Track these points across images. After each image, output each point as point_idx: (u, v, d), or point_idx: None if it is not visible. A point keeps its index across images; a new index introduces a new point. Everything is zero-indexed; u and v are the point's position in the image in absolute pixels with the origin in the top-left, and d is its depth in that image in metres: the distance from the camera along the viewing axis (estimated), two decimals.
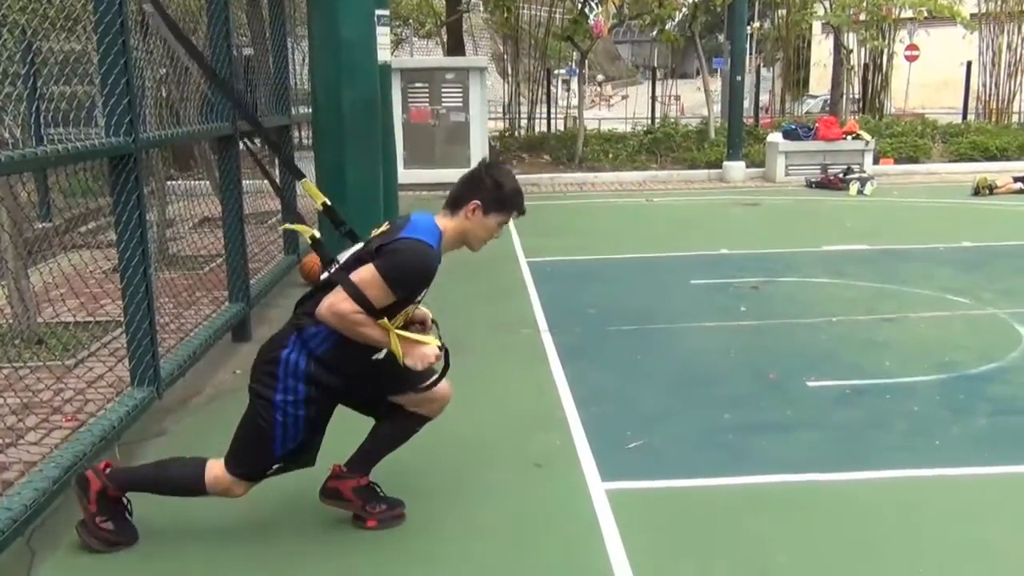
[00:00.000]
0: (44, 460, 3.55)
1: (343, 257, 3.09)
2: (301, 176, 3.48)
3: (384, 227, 3.16)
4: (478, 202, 3.08)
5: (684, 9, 18.18)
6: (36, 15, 4.00)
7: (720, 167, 14.85)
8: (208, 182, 7.89)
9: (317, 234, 3.23)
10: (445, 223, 3.12)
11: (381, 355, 3.11)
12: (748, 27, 20.74)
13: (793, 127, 14.84)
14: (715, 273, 7.66)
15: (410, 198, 11.00)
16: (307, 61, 7.22)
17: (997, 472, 3.79)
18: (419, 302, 3.17)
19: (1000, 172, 13.51)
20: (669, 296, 7.03)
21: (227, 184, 5.77)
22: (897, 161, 15.24)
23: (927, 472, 3.79)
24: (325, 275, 3.08)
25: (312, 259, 7.21)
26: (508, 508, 3.52)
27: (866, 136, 14.34)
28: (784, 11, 20.76)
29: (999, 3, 17.20)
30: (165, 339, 4.86)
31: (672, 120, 18.56)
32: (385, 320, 2.98)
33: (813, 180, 13.78)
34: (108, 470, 3.22)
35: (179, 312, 5.83)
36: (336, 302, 2.93)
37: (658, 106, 20.51)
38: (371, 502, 3.34)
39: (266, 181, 3.64)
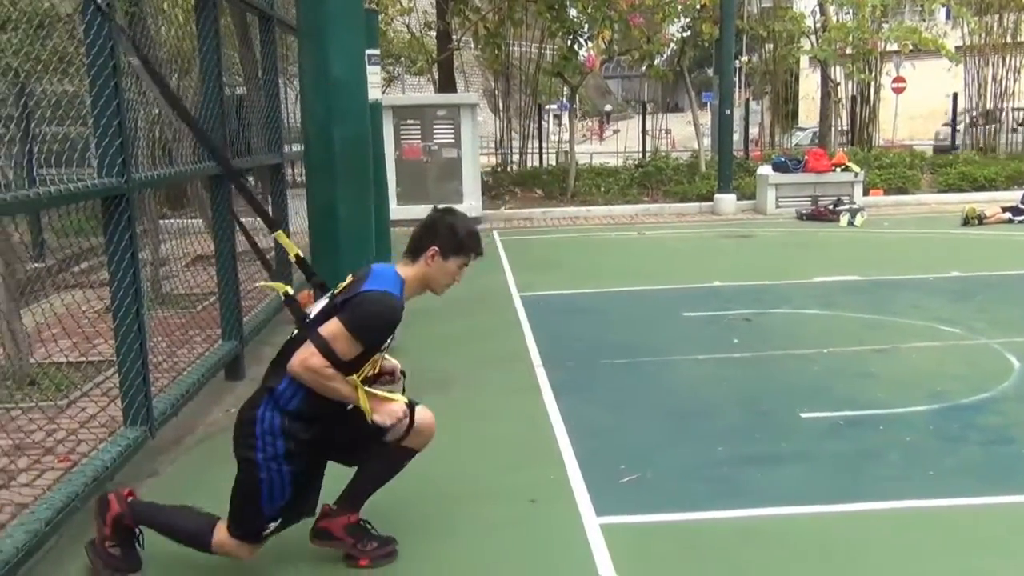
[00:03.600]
0: (36, 502, 3.53)
1: (314, 311, 3.18)
2: (276, 227, 3.58)
3: (348, 280, 3.23)
4: (436, 248, 3.16)
5: (672, 45, 18.43)
6: (30, 58, 4.04)
7: (711, 200, 14.96)
8: (201, 220, 7.92)
9: (291, 290, 3.31)
10: (406, 271, 3.20)
11: (350, 406, 3.17)
12: (736, 61, 20.99)
13: (783, 160, 14.97)
14: (707, 305, 7.69)
15: (402, 234, 11.04)
16: (299, 100, 7.28)
17: (991, 502, 3.79)
18: (385, 350, 3.24)
19: (989, 202, 13.64)
20: (662, 329, 7.04)
21: (220, 222, 5.79)
22: (886, 192, 15.38)
23: (921, 503, 3.79)
24: (295, 332, 3.18)
25: (305, 296, 7.21)
26: (503, 543, 3.50)
27: (855, 168, 14.47)
28: (772, 45, 21.02)
29: (983, 36, 17.45)
30: (158, 378, 4.85)
31: (663, 154, 18.71)
32: (354, 377, 3.05)
33: (804, 212, 13.88)
34: (131, 499, 3.26)
35: (172, 350, 5.82)
36: (307, 357, 3.01)
37: (649, 140, 20.67)
38: (362, 540, 3.32)
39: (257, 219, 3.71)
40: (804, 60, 23.67)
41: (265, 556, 3.40)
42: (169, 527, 3.27)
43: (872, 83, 18.67)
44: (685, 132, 27.78)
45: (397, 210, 11.56)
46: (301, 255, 3.45)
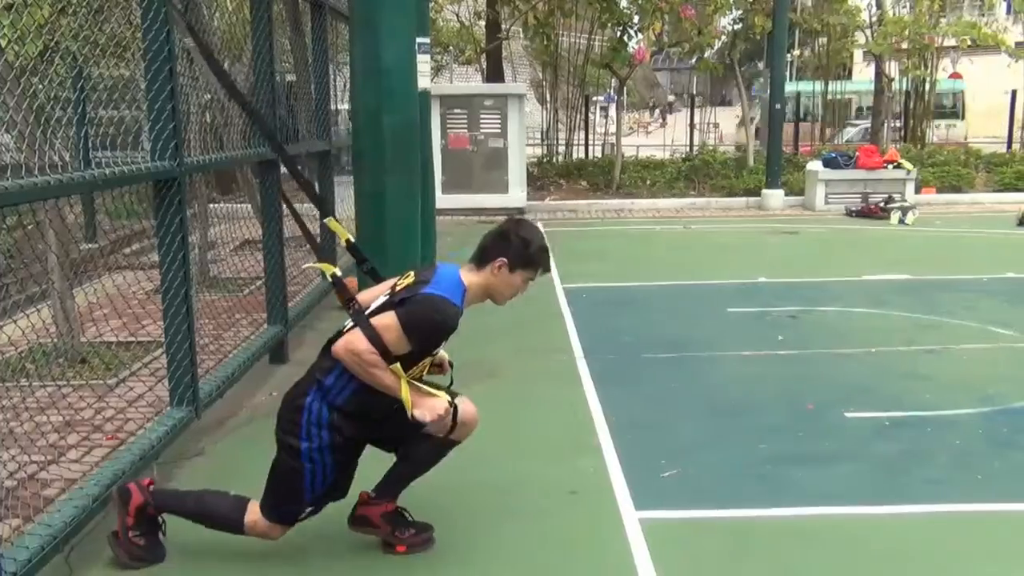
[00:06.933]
0: (84, 478, 3.61)
1: (368, 300, 3.16)
2: (328, 214, 3.55)
3: (409, 277, 3.19)
4: (504, 260, 3.13)
5: (723, 37, 18.21)
6: (87, 42, 4.10)
7: (758, 195, 14.77)
8: (249, 205, 8.01)
9: (338, 272, 3.29)
10: (470, 278, 3.16)
11: (396, 406, 3.14)
12: (788, 55, 20.69)
13: (833, 155, 14.73)
14: (753, 302, 7.61)
15: (448, 223, 11.09)
16: (348, 87, 7.32)
17: None
18: (435, 355, 3.21)
19: None
20: (706, 324, 6.98)
21: (268, 208, 5.85)
22: (939, 190, 15.06)
23: (969, 507, 3.72)
24: (347, 323, 3.15)
25: (350, 282, 7.27)
26: (541, 535, 3.50)
27: (907, 165, 14.19)
28: (825, 39, 20.68)
29: None
30: (204, 360, 4.92)
31: (710, 147, 18.52)
32: (398, 366, 3.01)
33: (853, 209, 13.66)
34: (152, 488, 3.28)
35: (218, 333, 5.91)
36: (352, 340, 3.00)
37: (696, 133, 20.47)
38: (400, 527, 3.34)
39: (307, 205, 3.70)
40: (858, 54, 23.25)
41: (304, 541, 3.44)
42: (197, 513, 3.29)
43: (927, 79, 18.27)
44: (734, 126, 27.45)
45: (443, 199, 11.61)
46: (352, 240, 3.44)
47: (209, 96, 6.35)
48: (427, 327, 3.03)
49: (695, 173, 15.93)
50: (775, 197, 14.52)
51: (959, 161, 15.88)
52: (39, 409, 4.57)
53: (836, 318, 7.08)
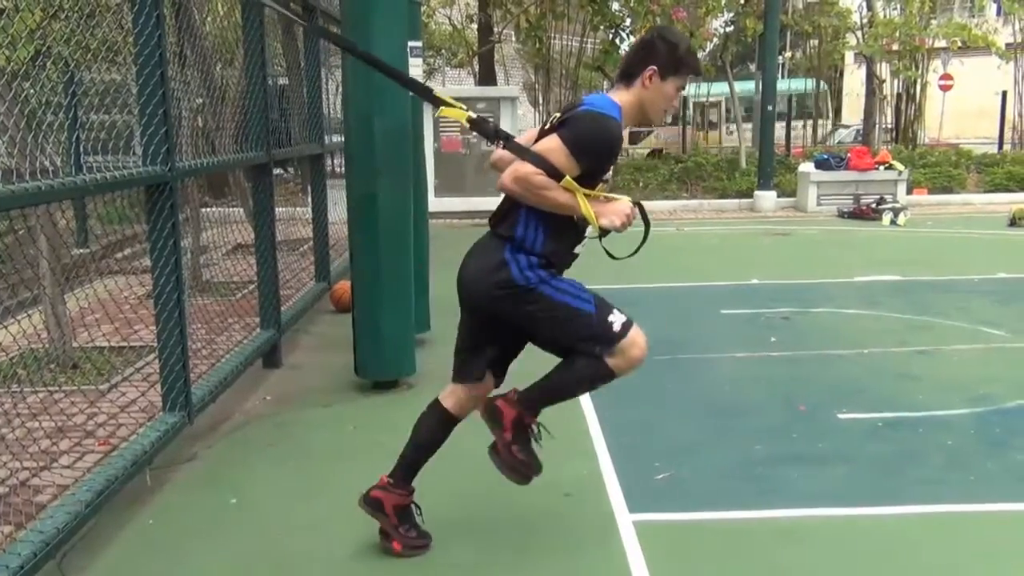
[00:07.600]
0: (77, 483, 3.59)
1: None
2: (439, 103, 3.39)
3: (557, 115, 3.09)
4: (654, 67, 2.99)
5: (715, 39, 18.27)
6: (79, 47, 4.09)
7: (751, 197, 14.81)
8: (242, 209, 8.01)
9: (473, 115, 3.17)
10: (622, 97, 3.04)
11: (582, 247, 3.13)
12: (780, 57, 20.75)
13: (825, 157, 14.79)
14: (745, 303, 7.62)
15: (441, 226, 11.08)
16: (340, 91, 7.32)
17: None
18: (606, 181, 3.09)
19: None
20: (699, 326, 6.99)
21: (260, 212, 5.84)
22: (931, 191, 15.13)
23: (962, 507, 3.72)
24: (498, 148, 3.08)
25: (342, 286, 7.25)
26: (535, 537, 3.50)
27: (899, 166, 14.25)
28: (816, 41, 20.76)
29: None
30: (197, 365, 4.91)
31: (703, 149, 18.56)
32: (569, 180, 2.88)
33: (845, 210, 13.71)
34: (518, 396, 3.18)
35: (211, 338, 5.89)
36: (517, 168, 2.90)
37: (688, 135, 20.54)
38: (405, 524, 3.32)
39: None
40: (849, 56, 23.35)
41: (300, 541, 3.43)
42: (564, 393, 3.23)
43: (918, 80, 18.35)
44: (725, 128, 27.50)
45: (435, 202, 11.60)
46: (474, 117, 3.24)
47: (201, 100, 6.34)
48: (592, 141, 2.91)
49: (687, 175, 15.97)
50: (767, 199, 14.57)
51: (950, 162, 15.96)
52: (31, 415, 4.55)
53: (829, 319, 7.10)
